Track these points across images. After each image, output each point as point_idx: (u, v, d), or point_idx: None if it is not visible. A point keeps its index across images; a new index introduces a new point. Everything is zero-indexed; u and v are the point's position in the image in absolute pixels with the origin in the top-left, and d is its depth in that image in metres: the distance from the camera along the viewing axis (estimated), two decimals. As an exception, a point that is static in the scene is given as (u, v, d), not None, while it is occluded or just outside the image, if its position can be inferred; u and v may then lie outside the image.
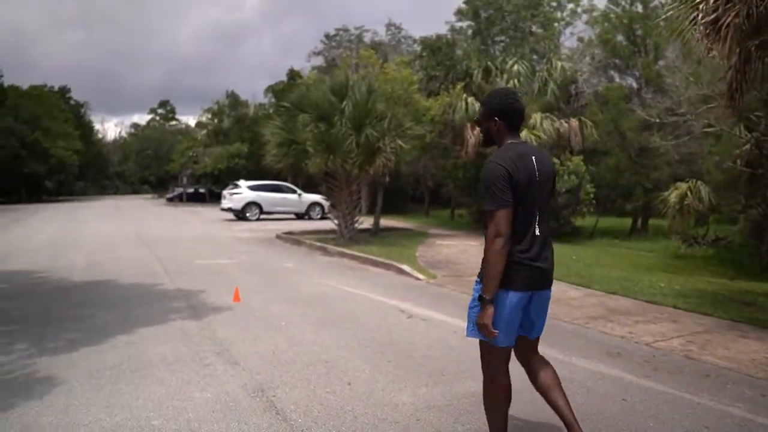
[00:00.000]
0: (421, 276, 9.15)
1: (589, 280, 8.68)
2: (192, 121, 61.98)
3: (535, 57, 19.20)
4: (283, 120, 13.87)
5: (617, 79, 22.83)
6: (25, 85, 53.33)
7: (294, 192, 24.23)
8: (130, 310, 6.52)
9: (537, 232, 2.80)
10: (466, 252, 12.46)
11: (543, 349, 3.16)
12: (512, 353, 2.99)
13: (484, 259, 2.77)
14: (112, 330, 5.62)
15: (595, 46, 21.70)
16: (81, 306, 6.80)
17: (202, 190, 43.17)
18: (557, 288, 8.13)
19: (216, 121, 43.13)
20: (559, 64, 17.34)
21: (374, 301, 7.22)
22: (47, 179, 54.44)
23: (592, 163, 17.87)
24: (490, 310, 2.69)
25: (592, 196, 15.90)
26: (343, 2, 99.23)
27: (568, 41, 24.46)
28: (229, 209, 23.53)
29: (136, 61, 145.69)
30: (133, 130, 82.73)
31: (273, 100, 37.59)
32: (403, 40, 31.65)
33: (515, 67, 17.36)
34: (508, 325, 2.79)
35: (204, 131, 44.33)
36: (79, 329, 5.70)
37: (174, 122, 74.06)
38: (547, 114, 16.36)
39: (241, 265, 10.52)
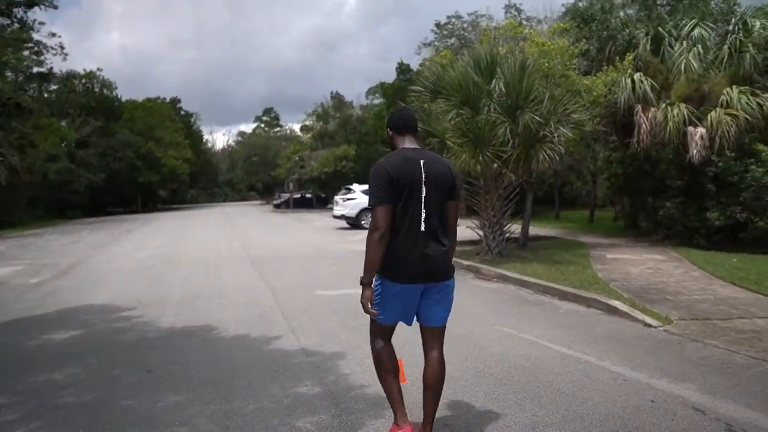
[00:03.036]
0: (649, 319, 6.06)
1: None
2: (296, 127, 61.61)
3: (707, 23, 15.16)
4: (415, 108, 11.18)
5: None
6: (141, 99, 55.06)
7: (413, 195, 21.53)
8: (232, 405, 3.96)
9: (422, 228, 2.91)
10: (663, 271, 9.15)
11: None
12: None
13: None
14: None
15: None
16: (161, 387, 4.37)
17: (308, 195, 41.91)
18: None
19: (321, 123, 41.71)
20: (757, 22, 13.40)
21: (621, 378, 4.24)
22: (161, 188, 55.84)
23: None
24: (368, 292, 2.90)
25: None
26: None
27: None
28: (342, 216, 21.21)
29: (242, 73, 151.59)
30: (239, 138, 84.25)
31: (383, 100, 35.52)
32: (525, 22, 28.09)
33: (696, 30, 13.70)
34: (389, 310, 2.98)
35: (309, 134, 43.10)
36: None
37: (278, 129, 74.29)
38: (746, 87, 12.58)
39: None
